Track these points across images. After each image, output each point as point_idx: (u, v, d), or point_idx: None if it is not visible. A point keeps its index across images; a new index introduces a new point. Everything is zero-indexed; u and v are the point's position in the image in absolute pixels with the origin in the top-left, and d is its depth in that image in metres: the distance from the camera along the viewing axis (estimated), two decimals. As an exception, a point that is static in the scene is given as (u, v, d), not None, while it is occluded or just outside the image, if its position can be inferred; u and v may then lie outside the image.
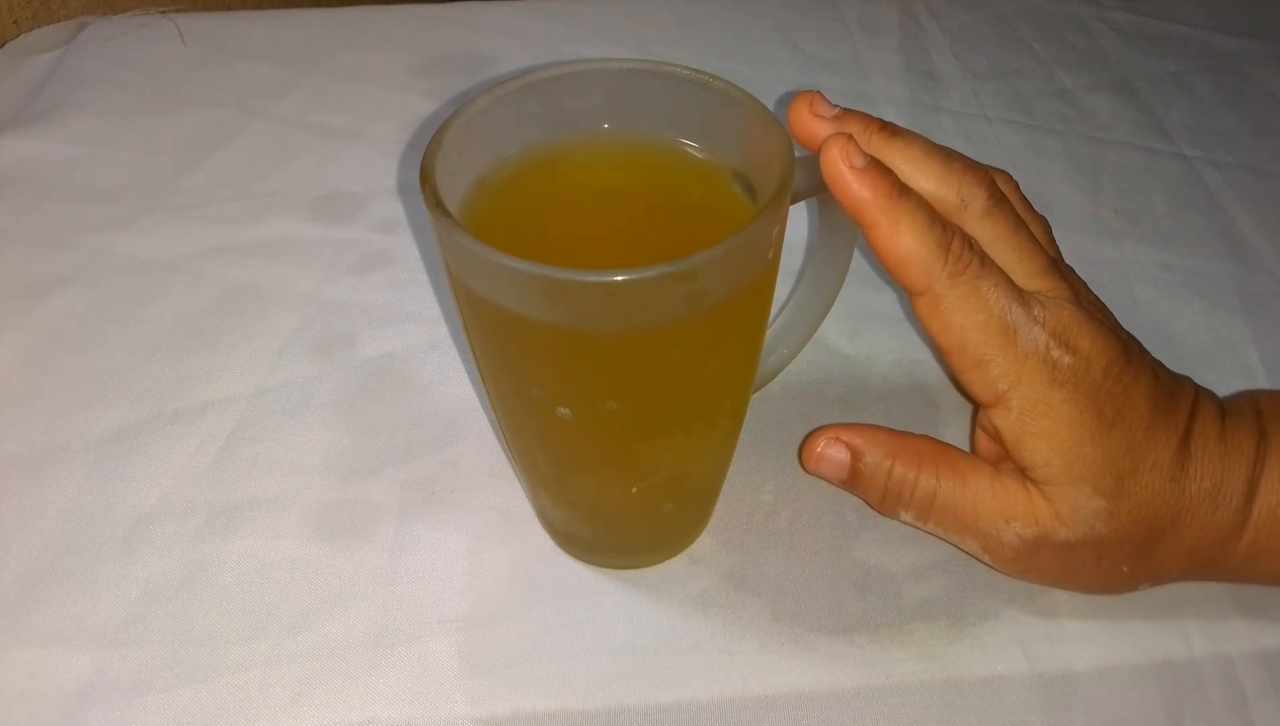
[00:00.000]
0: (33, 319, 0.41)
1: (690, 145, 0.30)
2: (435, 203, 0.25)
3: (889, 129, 0.29)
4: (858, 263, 0.36)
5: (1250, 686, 0.30)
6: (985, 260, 0.28)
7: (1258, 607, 0.31)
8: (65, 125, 0.50)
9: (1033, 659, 0.30)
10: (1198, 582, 0.32)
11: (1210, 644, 0.31)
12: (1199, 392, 0.31)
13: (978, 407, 0.31)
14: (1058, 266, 0.30)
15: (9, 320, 0.41)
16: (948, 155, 0.29)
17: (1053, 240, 0.32)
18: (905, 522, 0.32)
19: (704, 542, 0.33)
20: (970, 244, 0.28)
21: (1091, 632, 0.31)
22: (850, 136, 0.28)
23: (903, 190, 0.28)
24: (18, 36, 0.57)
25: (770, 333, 0.34)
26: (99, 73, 0.54)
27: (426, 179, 0.25)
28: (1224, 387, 0.32)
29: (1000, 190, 0.30)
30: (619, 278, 0.23)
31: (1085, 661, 0.30)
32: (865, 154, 0.27)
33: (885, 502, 0.32)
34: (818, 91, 0.29)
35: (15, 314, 0.41)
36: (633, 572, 0.32)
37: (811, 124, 0.29)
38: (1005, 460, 0.30)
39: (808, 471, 0.33)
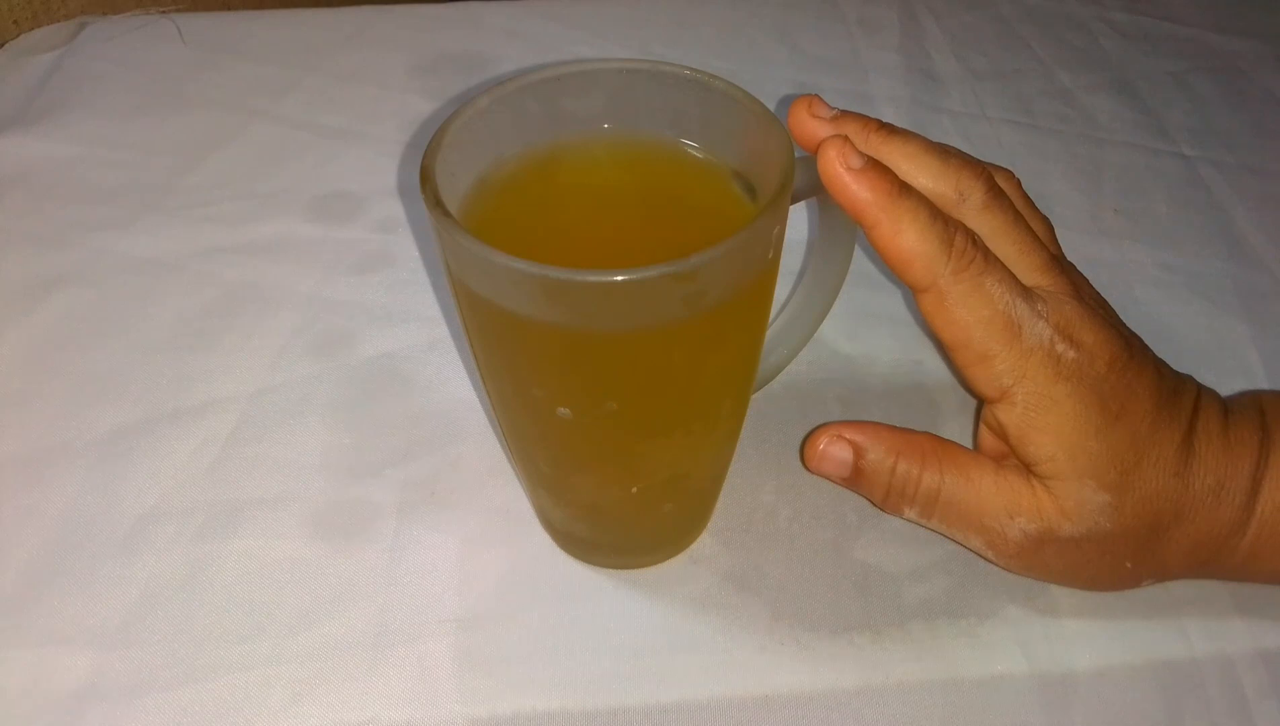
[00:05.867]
0: (33, 319, 0.41)
1: (690, 145, 0.30)
2: (435, 203, 0.25)
3: (886, 128, 0.29)
4: (858, 262, 0.36)
5: (1250, 686, 0.30)
6: (989, 255, 0.28)
7: (1258, 607, 0.31)
8: (65, 125, 0.50)
9: (1033, 659, 0.30)
10: (1198, 582, 0.32)
11: (1210, 644, 0.31)
12: (1201, 390, 0.31)
13: (981, 403, 0.31)
14: (1059, 262, 0.30)
15: (9, 320, 0.41)
16: (945, 151, 0.29)
17: (1055, 239, 0.32)
18: (908, 520, 0.32)
19: (704, 542, 0.33)
20: (974, 239, 0.28)
21: (1091, 632, 0.31)
22: (846, 138, 0.28)
23: (903, 188, 0.28)
24: (18, 36, 0.57)
25: (770, 333, 0.34)
26: (99, 73, 0.54)
27: (426, 179, 0.25)
28: (1224, 387, 0.32)
29: (998, 184, 0.30)
30: (618, 277, 0.23)
31: (1085, 661, 0.30)
32: (862, 154, 0.27)
33: (889, 500, 0.32)
34: (816, 95, 0.30)
35: (15, 314, 0.41)
36: (633, 572, 0.32)
37: (810, 125, 0.29)
38: (1009, 455, 0.31)
39: (810, 470, 0.33)
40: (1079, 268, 0.32)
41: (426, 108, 0.53)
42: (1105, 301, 0.31)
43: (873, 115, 0.30)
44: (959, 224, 0.28)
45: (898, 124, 0.30)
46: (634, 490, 0.29)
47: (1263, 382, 0.39)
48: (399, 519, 0.34)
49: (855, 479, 0.32)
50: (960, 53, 0.59)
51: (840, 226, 0.31)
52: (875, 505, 0.33)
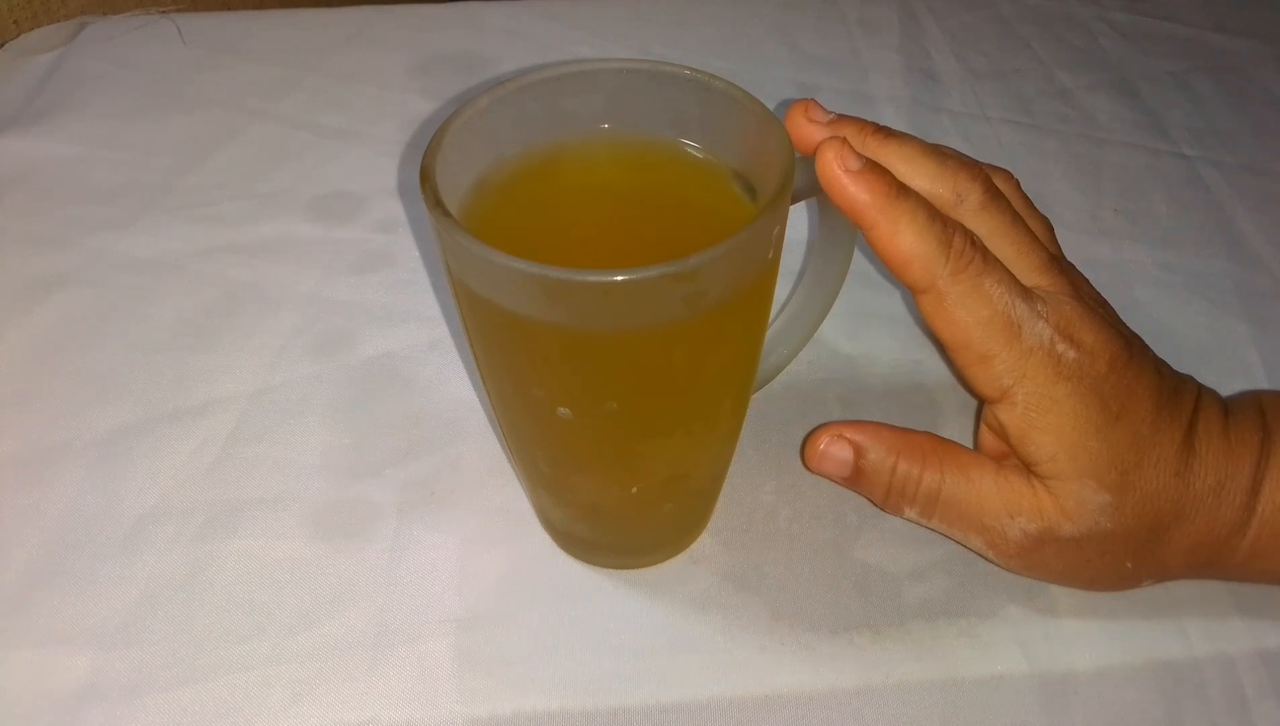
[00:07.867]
0: (33, 319, 0.41)
1: (690, 145, 0.30)
2: (435, 203, 0.25)
3: (883, 131, 0.29)
4: (858, 263, 0.36)
5: (1250, 686, 0.30)
6: (988, 256, 0.28)
7: (1258, 607, 0.31)
8: (65, 125, 0.50)
9: (1033, 659, 0.30)
10: (1198, 582, 0.32)
11: (1210, 644, 0.31)
12: (1201, 390, 0.31)
13: (982, 403, 0.31)
14: (1058, 262, 0.30)
15: (9, 320, 0.41)
16: (942, 153, 0.30)
17: (1054, 239, 0.32)
18: (909, 519, 0.32)
19: (704, 542, 0.33)
20: (972, 240, 0.28)
21: (1091, 632, 0.31)
22: (844, 140, 0.28)
23: (901, 189, 0.28)
24: (18, 36, 0.57)
25: (770, 333, 0.34)
26: (99, 73, 0.54)
27: (426, 179, 0.25)
28: (1225, 387, 0.32)
29: (995, 185, 0.30)
30: (618, 278, 0.23)
31: (1085, 661, 0.30)
32: (860, 156, 0.27)
33: (889, 500, 0.32)
34: (813, 99, 0.30)
35: (15, 314, 0.41)
36: (633, 572, 0.32)
37: (807, 129, 0.29)
38: (1009, 455, 0.31)
39: (810, 470, 0.33)
40: (1079, 268, 0.32)
41: (426, 108, 0.53)
42: (1105, 301, 0.31)
43: (873, 115, 0.30)
44: (957, 225, 0.28)
45: (897, 124, 0.30)
46: (634, 490, 0.29)
47: (1263, 382, 0.39)
48: (399, 519, 0.34)
49: (856, 479, 0.32)
50: (960, 53, 0.59)
51: (840, 227, 0.31)
52: (875, 505, 0.33)
